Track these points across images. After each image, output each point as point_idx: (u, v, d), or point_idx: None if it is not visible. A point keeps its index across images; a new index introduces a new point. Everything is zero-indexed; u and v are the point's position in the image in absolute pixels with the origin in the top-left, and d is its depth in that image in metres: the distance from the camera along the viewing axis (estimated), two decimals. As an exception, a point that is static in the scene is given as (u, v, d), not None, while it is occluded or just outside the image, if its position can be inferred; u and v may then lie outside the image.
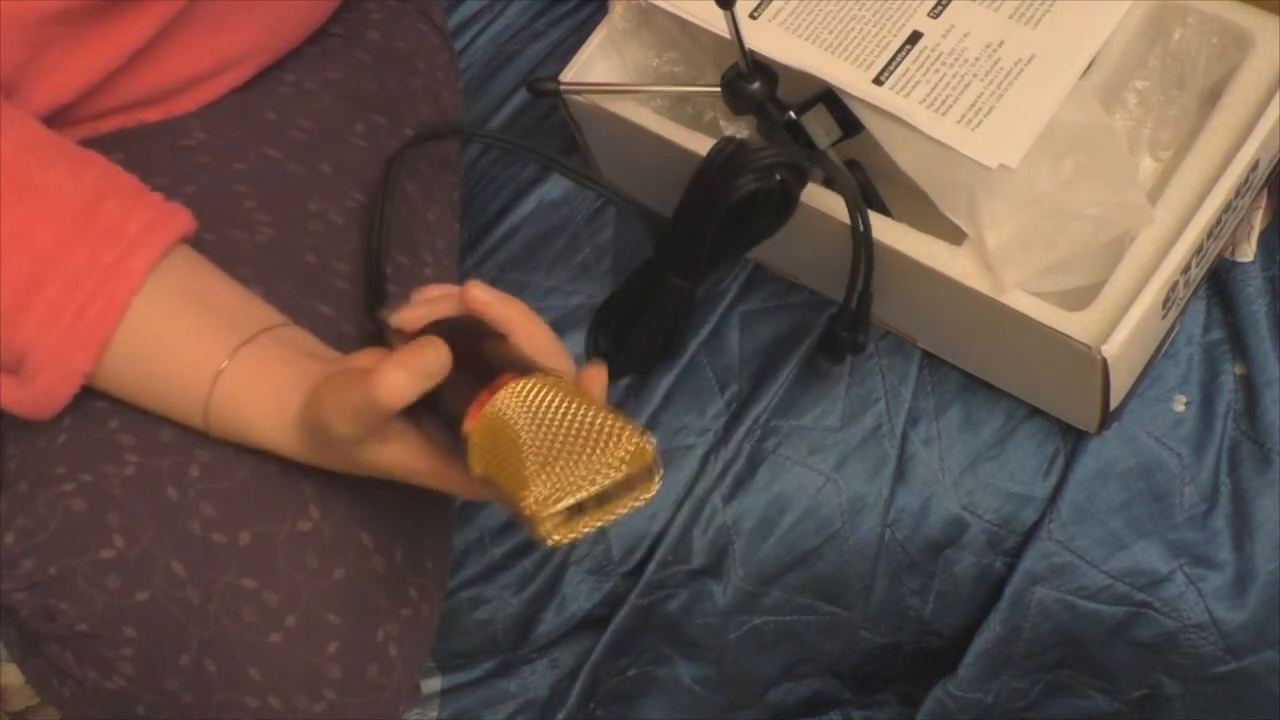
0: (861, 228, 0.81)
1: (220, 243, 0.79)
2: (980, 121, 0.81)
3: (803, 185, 0.83)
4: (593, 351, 0.95)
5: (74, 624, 0.71)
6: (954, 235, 0.83)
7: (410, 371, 0.65)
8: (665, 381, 0.95)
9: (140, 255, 0.71)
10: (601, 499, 0.62)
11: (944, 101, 0.82)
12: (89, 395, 0.74)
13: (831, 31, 0.86)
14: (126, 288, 0.70)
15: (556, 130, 1.02)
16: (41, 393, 0.71)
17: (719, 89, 0.86)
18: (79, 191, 0.71)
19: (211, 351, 0.72)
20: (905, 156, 0.83)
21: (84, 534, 0.71)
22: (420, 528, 0.79)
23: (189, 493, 0.72)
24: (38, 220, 0.70)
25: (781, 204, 0.83)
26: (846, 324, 0.86)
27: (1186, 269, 0.82)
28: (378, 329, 0.77)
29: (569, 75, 0.93)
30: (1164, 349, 0.89)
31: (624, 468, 0.62)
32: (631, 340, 0.92)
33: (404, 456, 0.69)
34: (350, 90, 0.92)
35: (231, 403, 0.72)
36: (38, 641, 0.74)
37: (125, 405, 0.74)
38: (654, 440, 0.62)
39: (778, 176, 0.81)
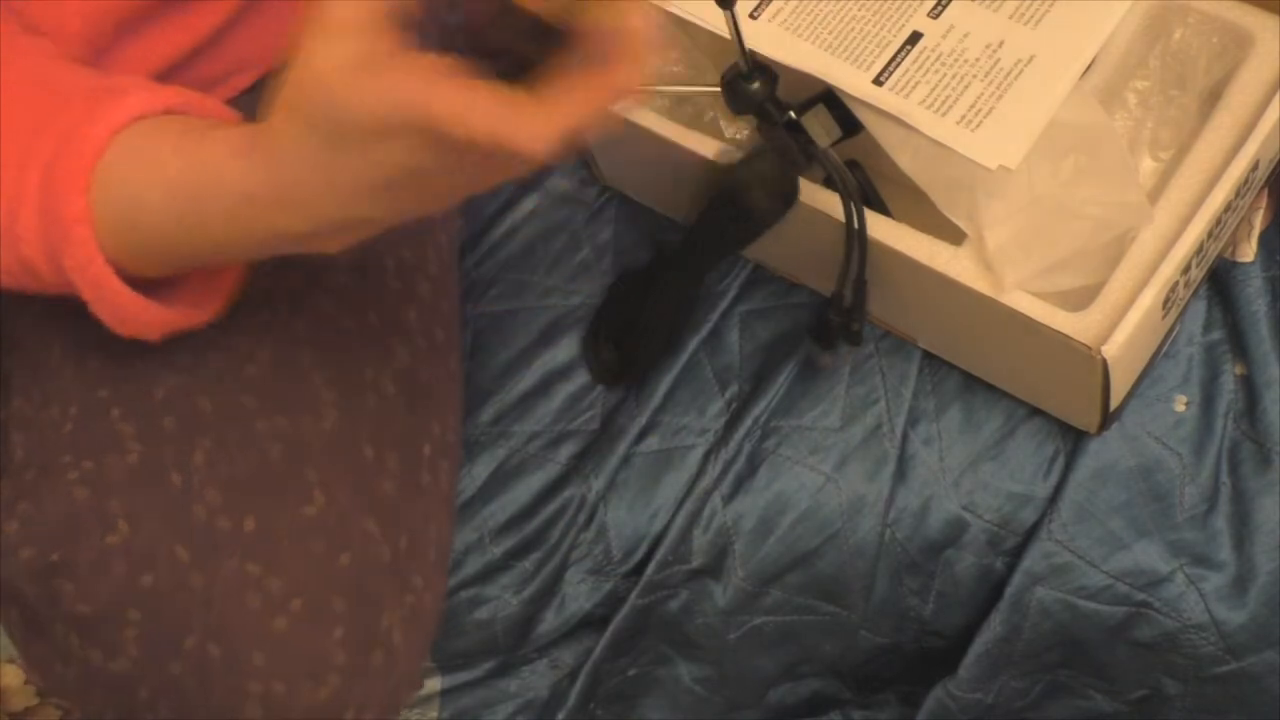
0: (856, 223, 0.81)
1: None
2: (980, 122, 0.81)
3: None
4: (592, 356, 0.95)
5: (78, 607, 0.71)
6: (954, 235, 0.83)
7: None
8: (665, 381, 0.95)
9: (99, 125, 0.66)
10: None
11: (944, 102, 0.82)
12: (91, 385, 0.74)
13: (831, 32, 0.86)
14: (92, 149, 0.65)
15: (556, 130, 1.02)
16: (92, 284, 0.66)
17: (719, 89, 0.86)
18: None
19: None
20: (905, 157, 0.83)
21: (88, 521, 0.72)
22: (424, 516, 0.79)
23: (193, 479, 0.72)
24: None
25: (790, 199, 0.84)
26: (839, 309, 0.85)
27: (1186, 269, 0.82)
28: None
29: (569, 75, 0.93)
30: (1164, 349, 0.89)
31: None
32: (634, 340, 0.92)
33: (413, 88, 0.55)
34: None
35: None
36: (42, 624, 0.74)
37: (126, 395, 0.74)
38: None
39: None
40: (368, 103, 0.55)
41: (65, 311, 0.79)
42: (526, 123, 0.53)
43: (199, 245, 0.65)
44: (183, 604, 0.71)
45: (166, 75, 0.81)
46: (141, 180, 0.64)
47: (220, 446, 0.73)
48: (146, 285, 0.68)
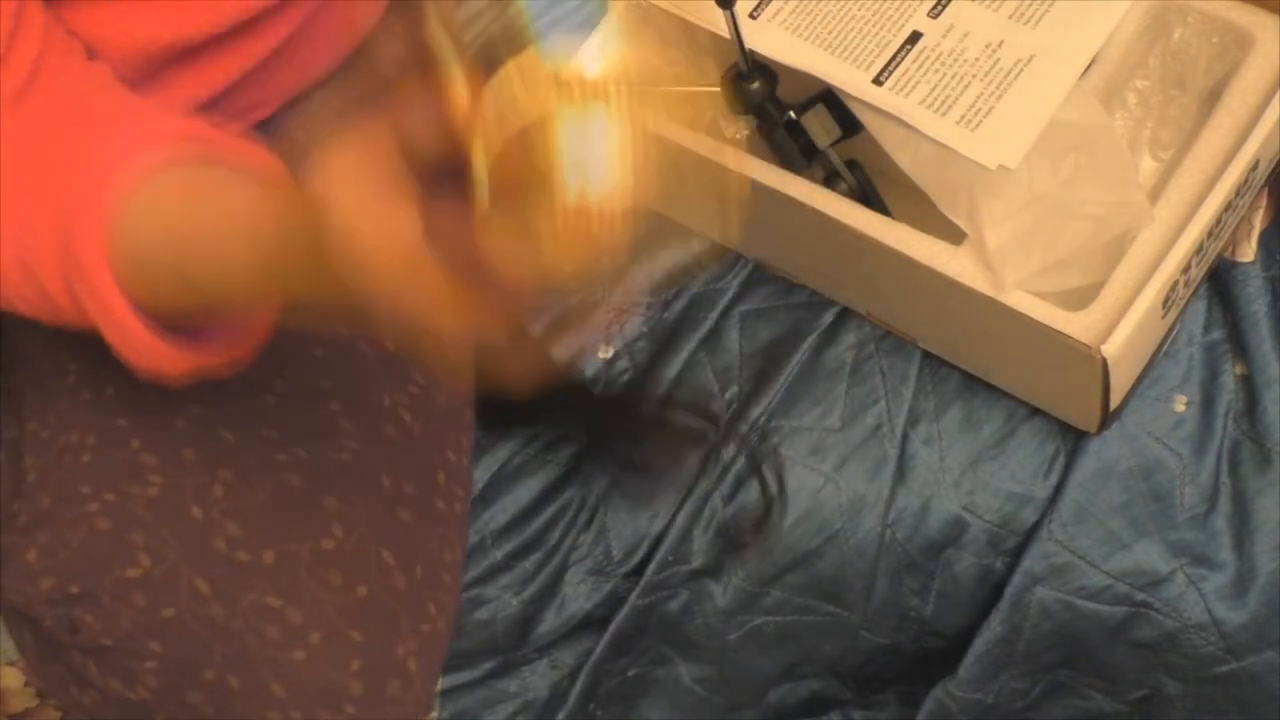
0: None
1: None
2: (980, 122, 0.81)
3: None
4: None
5: (98, 637, 0.72)
6: (954, 235, 0.83)
7: None
8: (665, 382, 0.95)
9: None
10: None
11: (944, 102, 0.82)
12: (110, 413, 0.74)
13: (831, 31, 0.86)
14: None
15: (556, 131, 1.02)
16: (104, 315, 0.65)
17: (719, 89, 0.86)
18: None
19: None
20: (905, 156, 0.83)
21: (109, 553, 0.72)
22: (438, 543, 0.79)
23: (213, 512, 0.73)
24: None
25: None
26: None
27: (1186, 269, 0.82)
28: None
29: (569, 75, 0.93)
30: (1164, 349, 0.89)
31: None
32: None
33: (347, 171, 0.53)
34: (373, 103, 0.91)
35: None
36: (59, 650, 0.74)
37: (146, 425, 0.74)
38: None
39: None
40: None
41: (77, 334, 0.79)
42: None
43: (206, 298, 0.64)
44: (202, 636, 0.71)
45: (206, 108, 0.81)
46: (155, 230, 0.62)
47: (240, 478, 0.74)
48: (172, 327, 0.66)
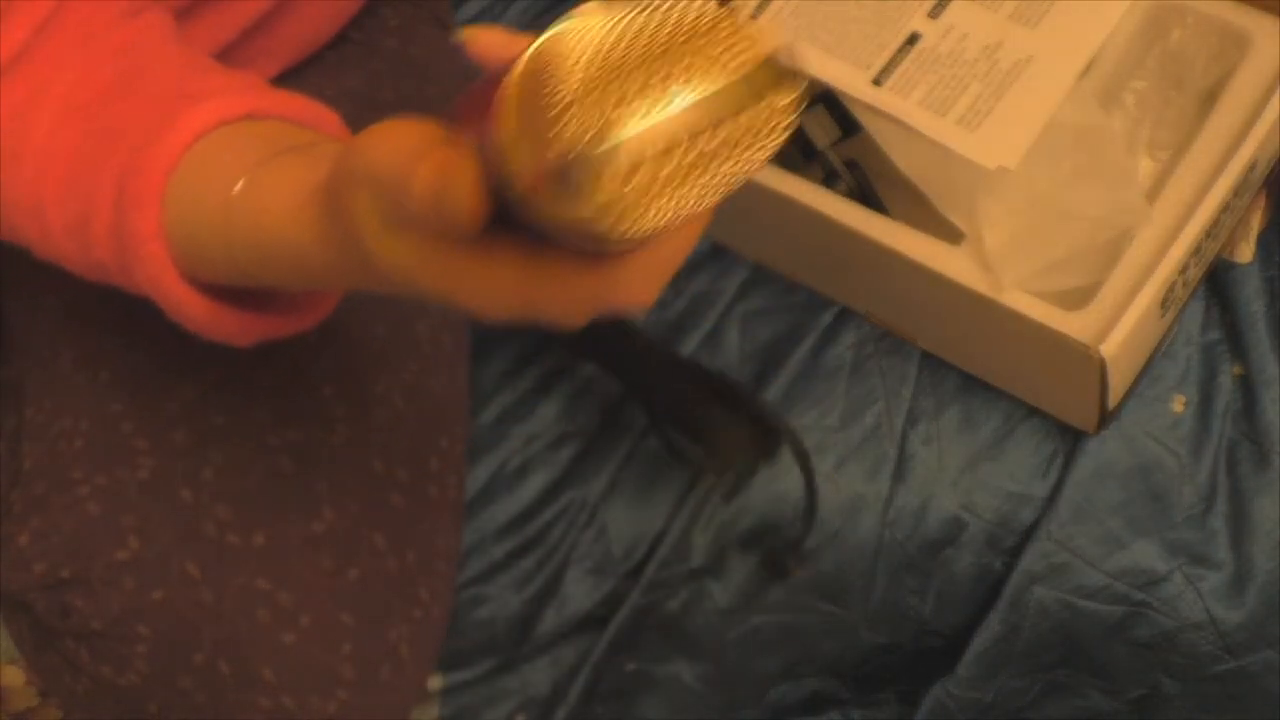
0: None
1: None
2: (979, 122, 0.81)
3: None
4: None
5: (89, 621, 0.72)
6: (953, 235, 0.83)
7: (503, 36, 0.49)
8: (665, 381, 0.95)
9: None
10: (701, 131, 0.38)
11: (943, 102, 0.82)
12: (103, 397, 0.74)
13: (831, 32, 0.86)
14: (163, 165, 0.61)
15: (557, 131, 1.02)
16: (152, 285, 0.62)
17: (719, 90, 0.87)
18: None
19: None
20: (904, 157, 0.83)
21: (100, 536, 0.72)
22: (431, 529, 0.79)
23: (203, 495, 0.73)
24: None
25: None
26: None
27: (1184, 269, 0.82)
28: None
29: (569, 76, 0.93)
30: (1162, 349, 0.89)
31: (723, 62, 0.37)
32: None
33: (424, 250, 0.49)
34: (368, 98, 0.92)
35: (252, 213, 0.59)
36: (51, 637, 0.74)
37: (139, 408, 0.74)
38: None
39: None
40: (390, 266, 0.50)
41: (77, 321, 0.79)
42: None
43: (255, 277, 0.61)
44: (193, 619, 0.71)
45: (223, 52, 0.81)
46: (207, 203, 0.59)
47: (231, 461, 0.74)
48: (237, 291, 0.63)
